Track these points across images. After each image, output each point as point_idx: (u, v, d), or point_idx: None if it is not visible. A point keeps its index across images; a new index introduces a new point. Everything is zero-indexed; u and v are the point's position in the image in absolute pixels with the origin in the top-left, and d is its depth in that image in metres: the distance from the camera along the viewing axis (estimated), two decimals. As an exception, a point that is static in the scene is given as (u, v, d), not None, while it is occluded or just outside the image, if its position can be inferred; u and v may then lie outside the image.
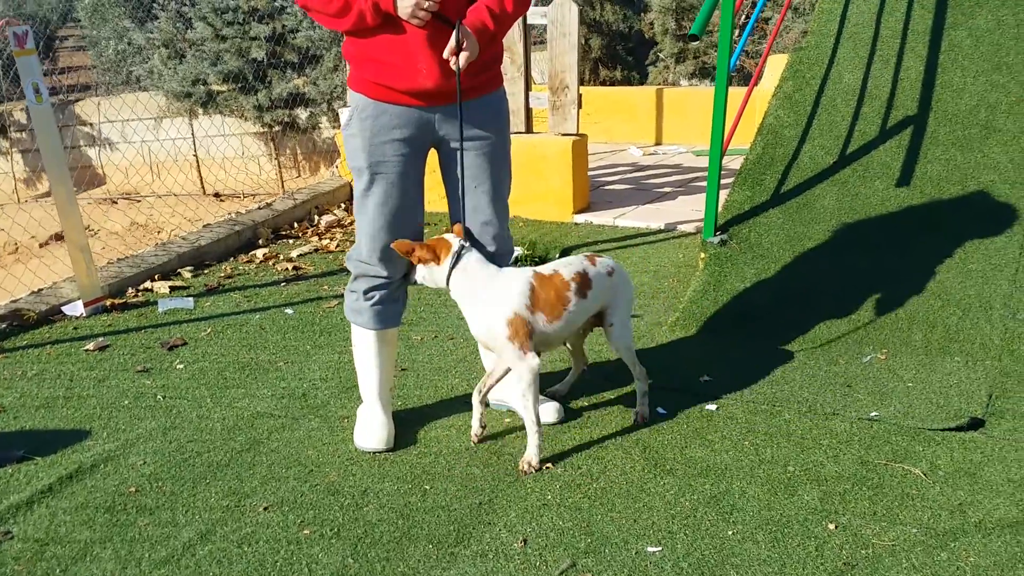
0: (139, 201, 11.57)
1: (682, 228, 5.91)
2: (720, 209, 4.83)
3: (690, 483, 3.06)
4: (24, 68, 4.35)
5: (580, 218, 6.22)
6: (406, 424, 3.50)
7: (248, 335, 4.42)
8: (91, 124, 11.95)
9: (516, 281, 3.16)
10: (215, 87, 10.84)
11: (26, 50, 4.34)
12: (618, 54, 10.26)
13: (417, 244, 3.13)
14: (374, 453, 3.29)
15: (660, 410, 3.57)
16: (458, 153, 3.18)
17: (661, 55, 9.93)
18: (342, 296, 4.41)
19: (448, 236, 3.17)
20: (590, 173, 6.82)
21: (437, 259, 3.14)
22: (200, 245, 5.53)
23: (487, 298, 3.12)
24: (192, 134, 11.26)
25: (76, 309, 4.67)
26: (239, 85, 10.46)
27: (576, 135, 6.19)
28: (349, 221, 6.45)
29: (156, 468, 3.21)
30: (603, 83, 10.45)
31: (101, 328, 4.53)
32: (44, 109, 4.46)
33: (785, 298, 4.33)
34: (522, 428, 3.40)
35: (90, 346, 4.27)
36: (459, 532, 2.82)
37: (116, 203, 11.46)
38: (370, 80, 3.10)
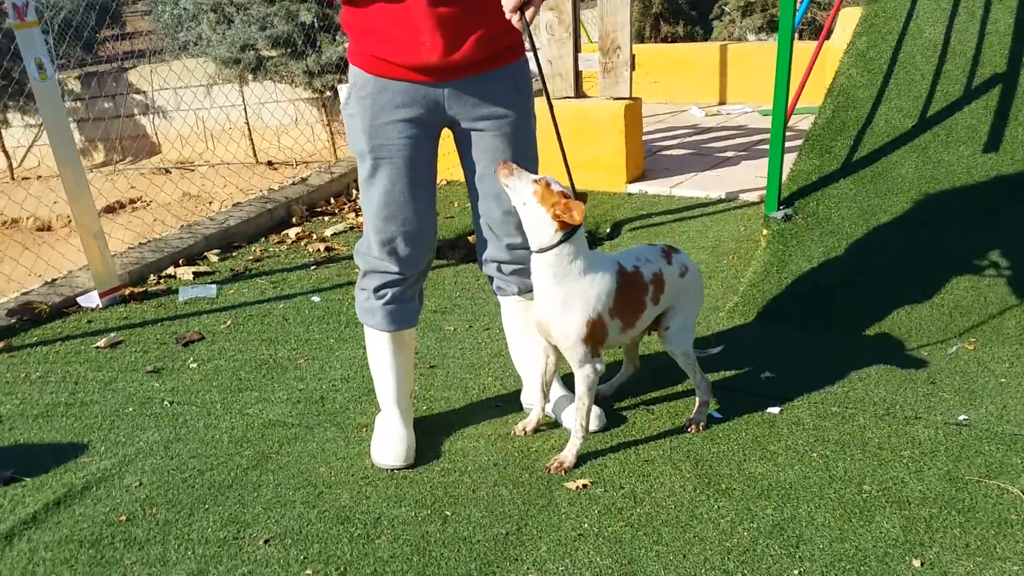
0: (192, 171, 11.40)
1: (745, 197, 5.44)
2: (784, 180, 4.36)
3: (749, 507, 2.65)
4: (25, 42, 4.04)
5: (634, 187, 5.78)
6: (430, 433, 3.15)
7: (269, 327, 4.10)
8: (144, 92, 11.77)
9: (603, 278, 2.79)
10: (264, 52, 10.59)
11: (27, 23, 4.04)
12: (680, 8, 9.70)
13: (553, 185, 2.70)
14: (392, 470, 2.95)
15: (715, 413, 3.16)
16: (480, 134, 2.82)
17: (726, 8, 9.35)
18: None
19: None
20: (646, 137, 6.38)
21: (569, 213, 2.65)
22: (229, 226, 5.23)
23: (573, 291, 2.75)
24: (243, 101, 11.02)
25: (91, 300, 4.41)
26: (289, 50, 10.17)
27: (629, 99, 5.74)
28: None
29: (152, 491, 2.91)
30: (664, 39, 9.90)
31: (116, 321, 4.25)
32: (49, 86, 4.16)
33: (858, 280, 3.87)
34: (560, 441, 3.03)
35: (101, 343, 3.99)
36: (481, 572, 2.46)
37: (170, 172, 11.30)
38: (369, 53, 2.72)
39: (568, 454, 2.90)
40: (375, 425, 3.12)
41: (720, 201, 5.44)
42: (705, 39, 10.03)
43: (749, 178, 5.75)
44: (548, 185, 2.68)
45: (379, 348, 3.04)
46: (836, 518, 2.59)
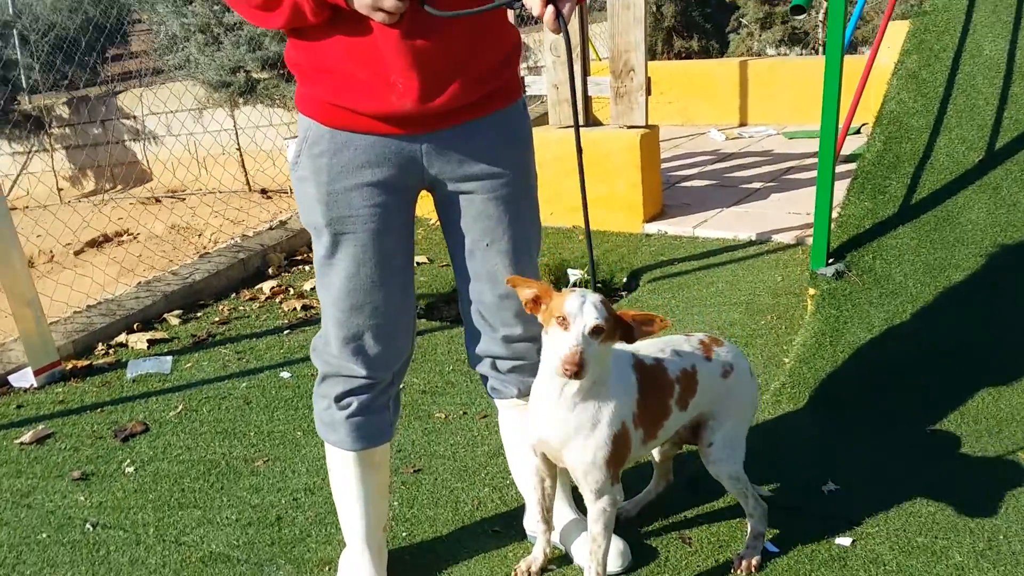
0: (183, 199, 10.82)
1: (778, 239, 4.78)
2: (832, 227, 3.70)
3: None
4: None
5: (652, 227, 5.13)
6: (410, 574, 2.51)
7: (227, 414, 3.46)
8: (134, 117, 11.21)
9: (623, 376, 2.22)
10: (255, 74, 10.04)
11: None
12: (694, 21, 9.06)
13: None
14: (358, 634, 2.30)
15: (769, 546, 2.50)
16: (469, 198, 2.22)
17: (744, 20, 8.71)
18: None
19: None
20: (663, 166, 5.73)
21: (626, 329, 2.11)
22: (194, 280, 4.59)
23: (597, 403, 2.16)
24: (234, 126, 10.45)
25: (25, 379, 3.78)
26: (281, 71, 9.62)
27: (645, 127, 5.09)
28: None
29: (50, 663, 2.27)
30: (678, 55, 9.26)
31: (51, 406, 3.62)
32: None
33: (930, 355, 3.22)
34: (571, 587, 2.38)
35: (26, 437, 3.36)
36: None
37: (160, 201, 10.72)
38: (325, 100, 2.10)
39: None
40: (339, 567, 2.47)
41: (750, 243, 4.79)
42: (721, 54, 9.38)
43: (781, 215, 5.09)
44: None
45: (343, 471, 2.40)
46: None
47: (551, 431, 2.16)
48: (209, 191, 10.01)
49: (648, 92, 5.05)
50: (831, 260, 3.59)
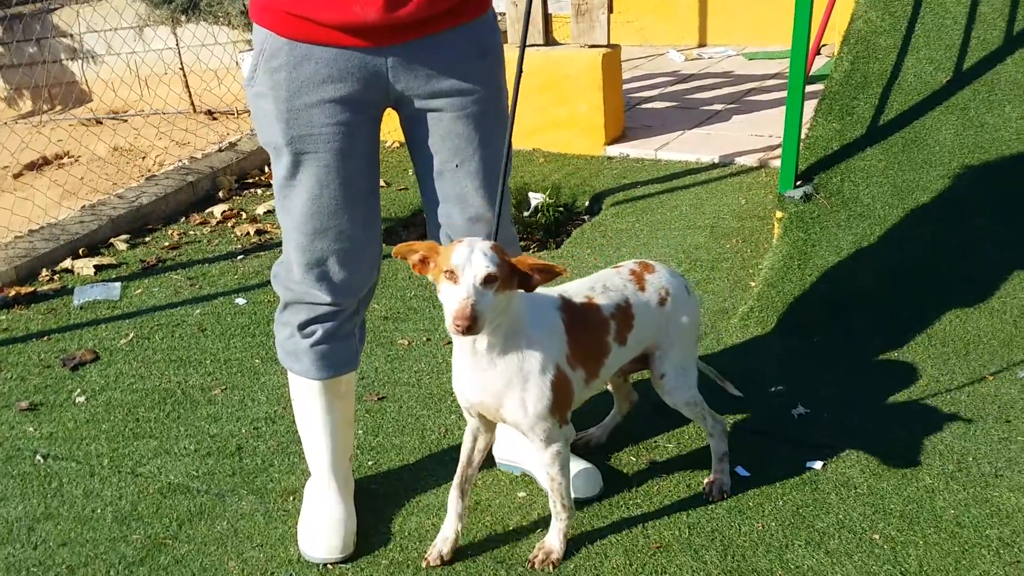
0: (125, 120, 10.46)
1: (741, 161, 4.71)
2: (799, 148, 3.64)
3: (799, 620, 1.98)
4: None
5: (614, 150, 5.03)
6: (377, 503, 2.45)
7: (181, 342, 3.35)
8: (71, 35, 10.75)
9: (548, 319, 2.10)
10: (197, -9, 9.65)
11: None
12: (651, -63, 8.83)
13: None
14: (324, 566, 2.24)
15: (740, 470, 2.48)
16: (437, 116, 2.10)
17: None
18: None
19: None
20: (624, 87, 5.61)
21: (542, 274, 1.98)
22: (141, 204, 4.42)
23: (523, 352, 2.04)
24: (177, 44, 10.07)
25: (-35, 307, 3.62)
26: (224, -13, 9.24)
27: (607, 46, 4.96)
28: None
29: (3, 600, 2.19)
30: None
31: (-6, 334, 3.47)
32: None
33: (898, 277, 3.19)
34: (542, 514, 2.33)
35: (-31, 367, 3.22)
36: None
37: (101, 123, 10.36)
38: (282, 10, 1.97)
39: (554, 542, 2.20)
40: (304, 497, 2.40)
41: (714, 166, 4.71)
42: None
43: (743, 137, 5.02)
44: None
45: (307, 401, 2.31)
46: (918, 637, 1.93)
47: (481, 393, 2.06)
48: (153, 112, 9.69)
49: (610, 10, 4.91)
50: (799, 183, 3.53)
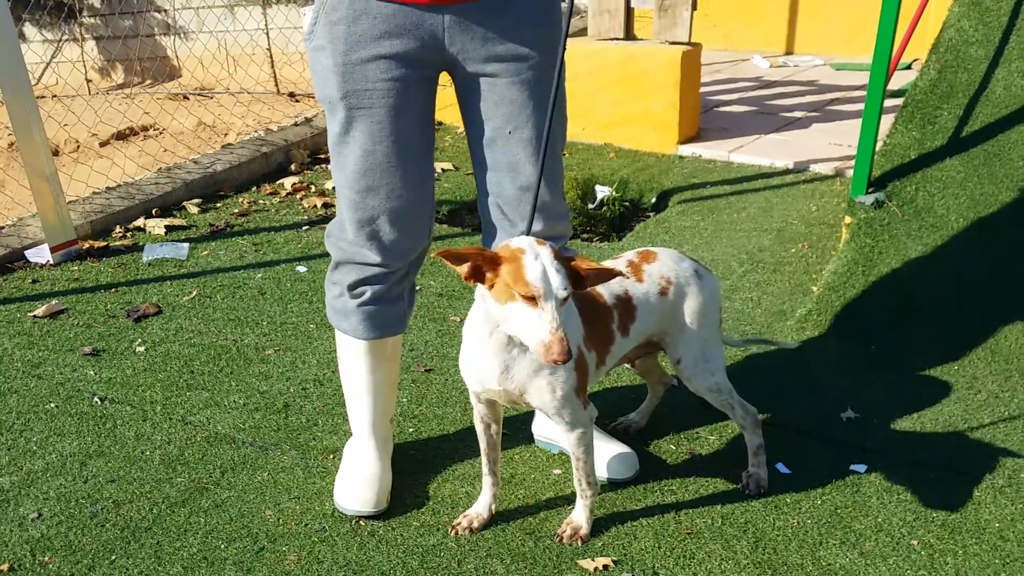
0: (211, 98, 10.71)
1: (816, 169, 4.64)
2: (876, 156, 3.57)
3: (826, 617, 1.95)
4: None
5: (686, 149, 4.99)
6: (414, 466, 2.48)
7: (241, 303, 3.42)
8: (166, 11, 11.04)
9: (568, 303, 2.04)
10: (292, -28, 9.83)
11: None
12: (745, -57, 8.74)
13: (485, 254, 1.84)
14: (357, 519, 2.27)
15: (781, 467, 2.45)
16: (491, 81, 2.10)
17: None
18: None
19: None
20: (702, 90, 5.56)
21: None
22: (215, 171, 4.52)
23: None
24: (266, 25, 10.27)
25: (41, 255, 3.74)
26: (315, -29, 9.37)
27: (688, 44, 4.93)
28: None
29: (51, 528, 2.26)
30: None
31: (65, 283, 3.58)
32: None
33: (964, 291, 3.11)
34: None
35: (40, 311, 3.33)
36: None
37: (188, 98, 10.61)
38: None
39: (581, 519, 2.20)
40: (344, 455, 2.44)
41: (787, 172, 4.65)
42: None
43: (822, 145, 4.94)
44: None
45: (353, 360, 2.34)
46: (948, 645, 1.88)
47: (504, 381, 2.00)
48: (239, 91, 9.89)
49: (694, 7, 4.88)
50: (871, 189, 3.46)
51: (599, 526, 2.22)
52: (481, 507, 2.25)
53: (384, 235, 2.17)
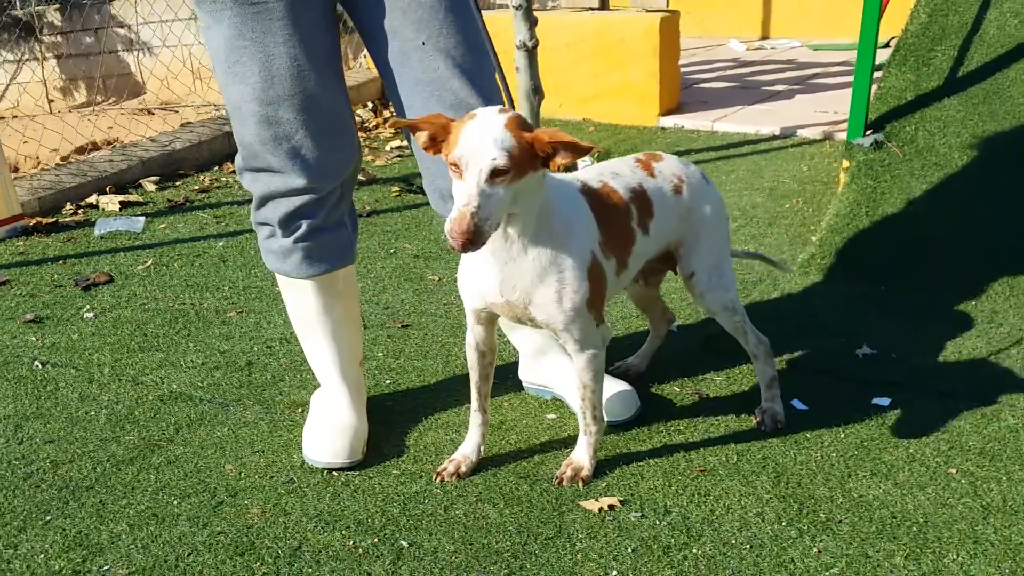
0: (176, 111, 10.46)
1: (803, 134, 4.45)
2: (871, 100, 3.38)
3: (866, 550, 1.72)
4: None
5: (667, 121, 4.79)
6: (392, 417, 2.23)
7: (200, 269, 3.16)
8: (128, 26, 10.78)
9: (576, 204, 1.82)
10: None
11: None
12: (715, -66, 8.62)
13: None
14: (328, 471, 2.02)
15: (797, 403, 2.22)
16: None
17: (768, -67, 8.27)
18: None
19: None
20: (681, 70, 5.39)
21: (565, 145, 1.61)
22: (174, 149, 4.27)
23: (557, 239, 1.77)
24: (232, 37, 10.03)
25: (-17, 231, 3.47)
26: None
27: (666, 11, 4.75)
28: (374, 124, 5.12)
29: (-25, 491, 1.99)
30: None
31: (9, 257, 3.31)
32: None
33: (974, 226, 2.91)
34: (573, 435, 2.09)
35: (-23, 283, 3.06)
36: (444, 651, 1.54)
37: (153, 113, 10.35)
38: None
39: (581, 457, 1.96)
40: (311, 404, 2.19)
41: (774, 137, 4.46)
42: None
43: (807, 113, 4.76)
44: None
45: (303, 303, 2.08)
46: (1003, 573, 1.65)
47: (506, 289, 1.77)
48: (204, 103, 9.65)
49: (670, -25, 4.70)
50: (869, 131, 3.27)
51: (601, 468, 1.98)
52: (468, 449, 2.00)
53: (306, 151, 1.89)
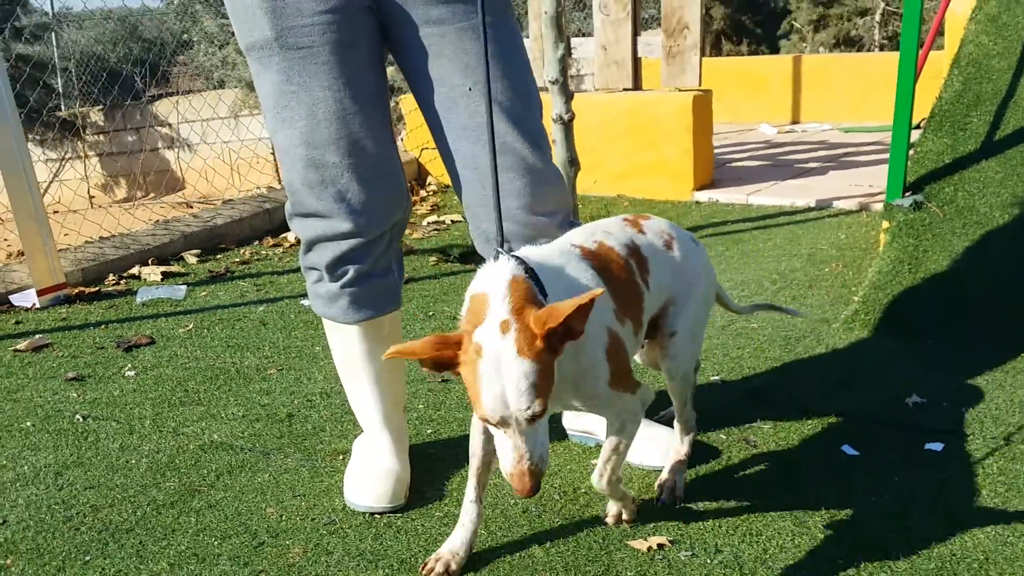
0: (215, 204, 10.66)
1: (840, 205, 4.46)
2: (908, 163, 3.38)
3: (925, 588, 1.65)
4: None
5: (702, 195, 4.82)
6: (433, 464, 2.19)
7: (240, 332, 3.18)
8: (169, 124, 11.08)
9: (580, 273, 1.70)
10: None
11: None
12: (743, 26, 8.81)
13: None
14: (370, 515, 1.98)
15: (848, 449, 2.17)
16: (438, 31, 1.85)
17: (796, 24, 8.44)
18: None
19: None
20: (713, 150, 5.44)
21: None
22: (215, 225, 4.34)
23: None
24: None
25: (27, 299, 3.52)
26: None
27: (698, 90, 4.82)
28: (419, 198, 5.17)
29: (17, 532, 1.97)
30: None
31: (52, 323, 3.35)
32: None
33: (1019, 282, 2.87)
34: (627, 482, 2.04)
35: (22, 345, 3.09)
36: None
37: (192, 207, 10.56)
38: None
39: (614, 511, 1.90)
40: (353, 450, 2.16)
41: (809, 209, 4.47)
42: (771, 65, 9.11)
43: (842, 186, 4.78)
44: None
45: (349, 348, 2.07)
46: (1075, 611, 1.58)
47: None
48: (243, 193, 9.83)
49: (703, 53, 4.79)
50: (907, 193, 3.26)
51: (648, 508, 1.93)
52: (457, 543, 1.79)
53: (352, 196, 1.88)
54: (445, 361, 1.45)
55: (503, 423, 1.42)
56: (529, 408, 1.41)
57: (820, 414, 2.33)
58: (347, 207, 1.90)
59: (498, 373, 1.40)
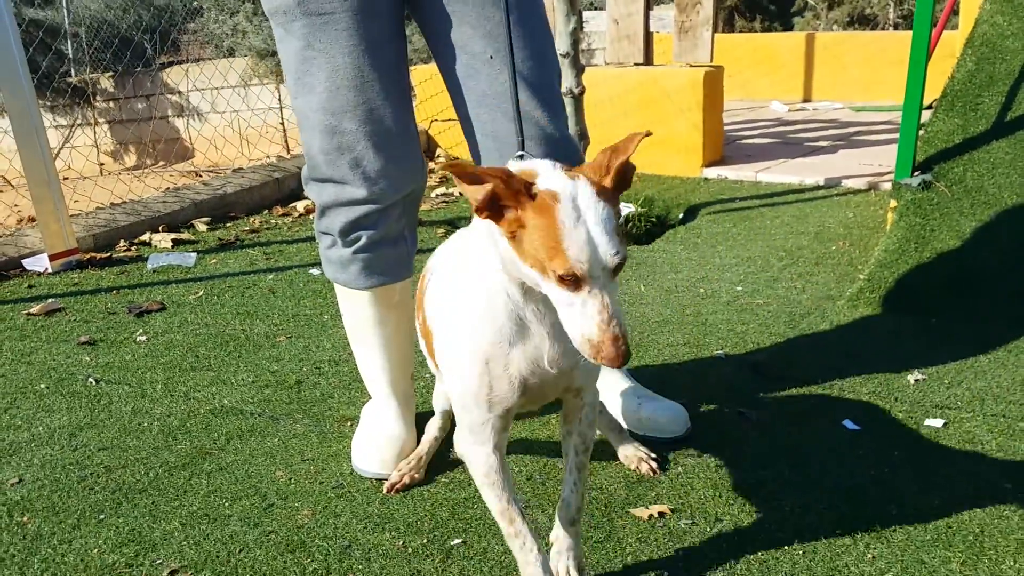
0: (224, 173, 10.67)
1: (849, 184, 4.47)
2: (918, 142, 3.39)
3: (922, 558, 1.68)
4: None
5: (711, 172, 4.83)
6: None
7: (250, 300, 3.21)
8: (179, 92, 11.06)
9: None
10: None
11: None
12: (757, 2, 8.78)
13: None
14: (378, 480, 2.02)
15: (849, 423, 2.19)
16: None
17: (810, 1, 8.40)
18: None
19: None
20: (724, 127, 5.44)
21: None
22: (225, 193, 4.37)
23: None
24: (280, 101, 10.27)
25: (39, 263, 3.55)
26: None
27: (710, 66, 4.81)
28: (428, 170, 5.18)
29: (31, 491, 2.01)
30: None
31: (64, 287, 3.38)
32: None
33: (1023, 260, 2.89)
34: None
35: (35, 309, 3.12)
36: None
37: (200, 175, 10.58)
38: None
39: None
40: (361, 416, 2.20)
41: (818, 187, 4.48)
42: (784, 41, 9.08)
43: (851, 165, 4.78)
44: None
45: (359, 314, 2.10)
46: (1067, 584, 1.61)
47: (554, 363, 1.46)
48: (252, 162, 9.83)
49: (715, 29, 4.78)
50: (916, 172, 3.27)
51: (650, 478, 1.97)
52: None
53: (368, 163, 1.90)
54: (510, 193, 1.28)
55: (586, 278, 1.25)
56: (618, 252, 1.26)
57: (822, 389, 2.35)
58: (362, 174, 1.91)
59: (581, 218, 1.25)
